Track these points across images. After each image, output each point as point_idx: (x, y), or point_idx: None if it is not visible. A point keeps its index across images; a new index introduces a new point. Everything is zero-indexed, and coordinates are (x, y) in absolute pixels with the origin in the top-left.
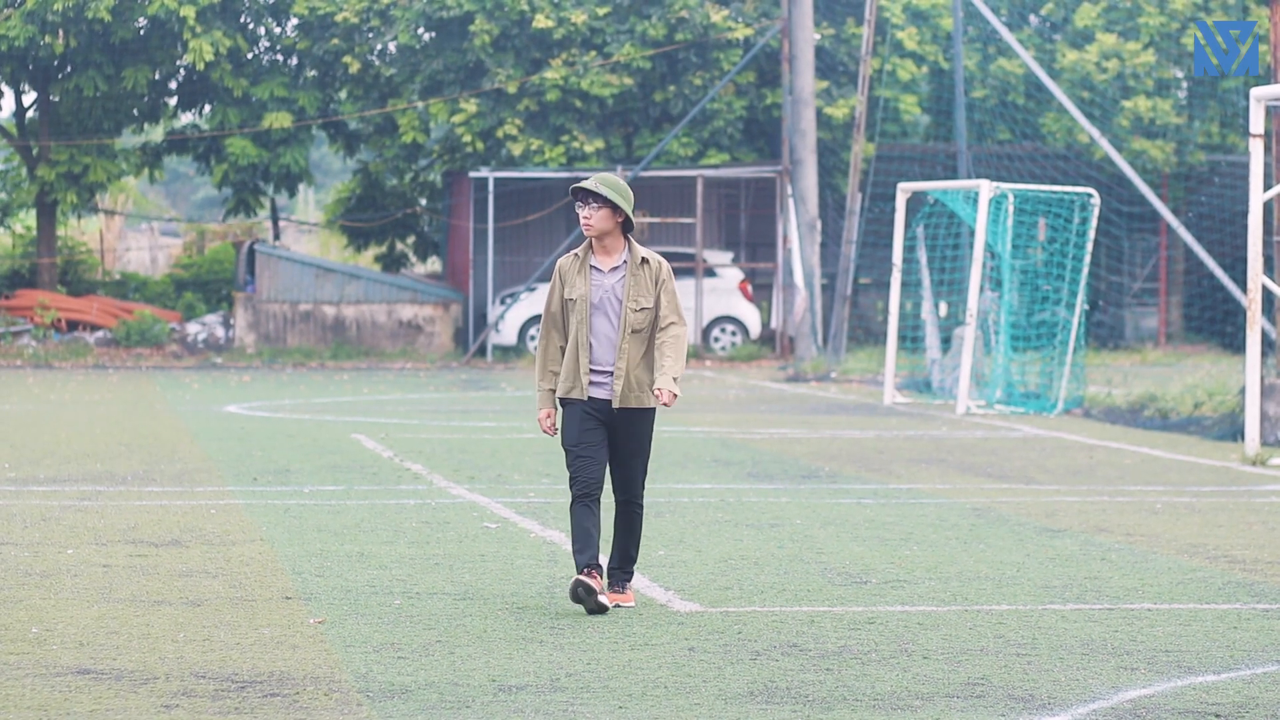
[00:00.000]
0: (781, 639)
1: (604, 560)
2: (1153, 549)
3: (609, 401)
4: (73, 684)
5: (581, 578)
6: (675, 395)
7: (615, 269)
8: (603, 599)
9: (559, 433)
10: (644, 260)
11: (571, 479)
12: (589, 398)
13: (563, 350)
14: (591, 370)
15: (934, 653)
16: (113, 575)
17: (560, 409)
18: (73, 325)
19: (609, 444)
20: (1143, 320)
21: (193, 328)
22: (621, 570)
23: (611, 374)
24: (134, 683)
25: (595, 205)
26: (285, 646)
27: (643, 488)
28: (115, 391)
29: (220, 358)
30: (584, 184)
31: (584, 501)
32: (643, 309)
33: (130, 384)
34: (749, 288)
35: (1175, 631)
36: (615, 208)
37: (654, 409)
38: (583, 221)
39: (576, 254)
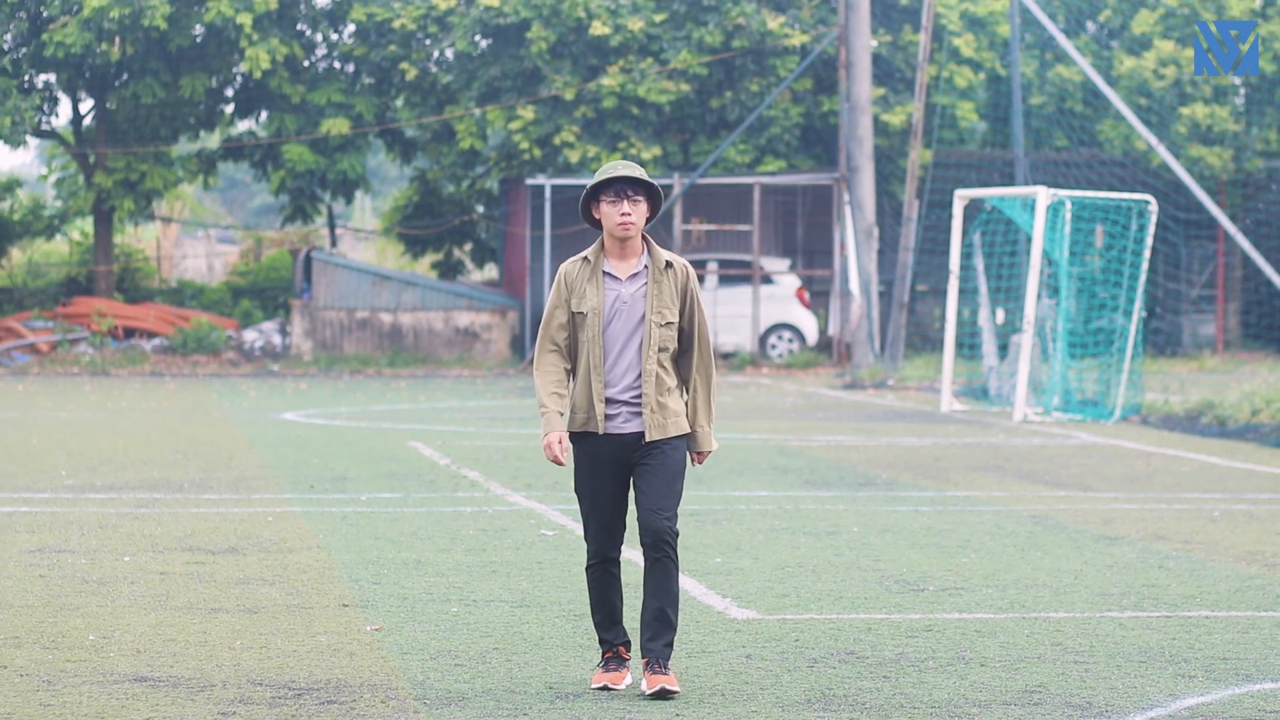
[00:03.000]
0: (839, 646)
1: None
2: (1210, 556)
3: (630, 436)
4: (130, 691)
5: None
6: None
7: (635, 275)
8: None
9: (573, 473)
10: (667, 264)
11: (587, 540)
12: (606, 433)
13: (568, 373)
14: (608, 400)
15: (991, 660)
16: (170, 583)
17: (572, 443)
18: (129, 333)
19: (633, 478)
20: (1200, 327)
21: (249, 335)
22: (660, 641)
23: (629, 403)
24: (191, 690)
25: (639, 199)
26: (342, 654)
27: (675, 528)
28: (172, 399)
29: (277, 365)
30: (622, 173)
31: (603, 567)
32: (668, 323)
33: (187, 391)
34: (806, 295)
35: (1233, 639)
36: (653, 200)
37: (685, 435)
38: (621, 221)
39: (586, 258)
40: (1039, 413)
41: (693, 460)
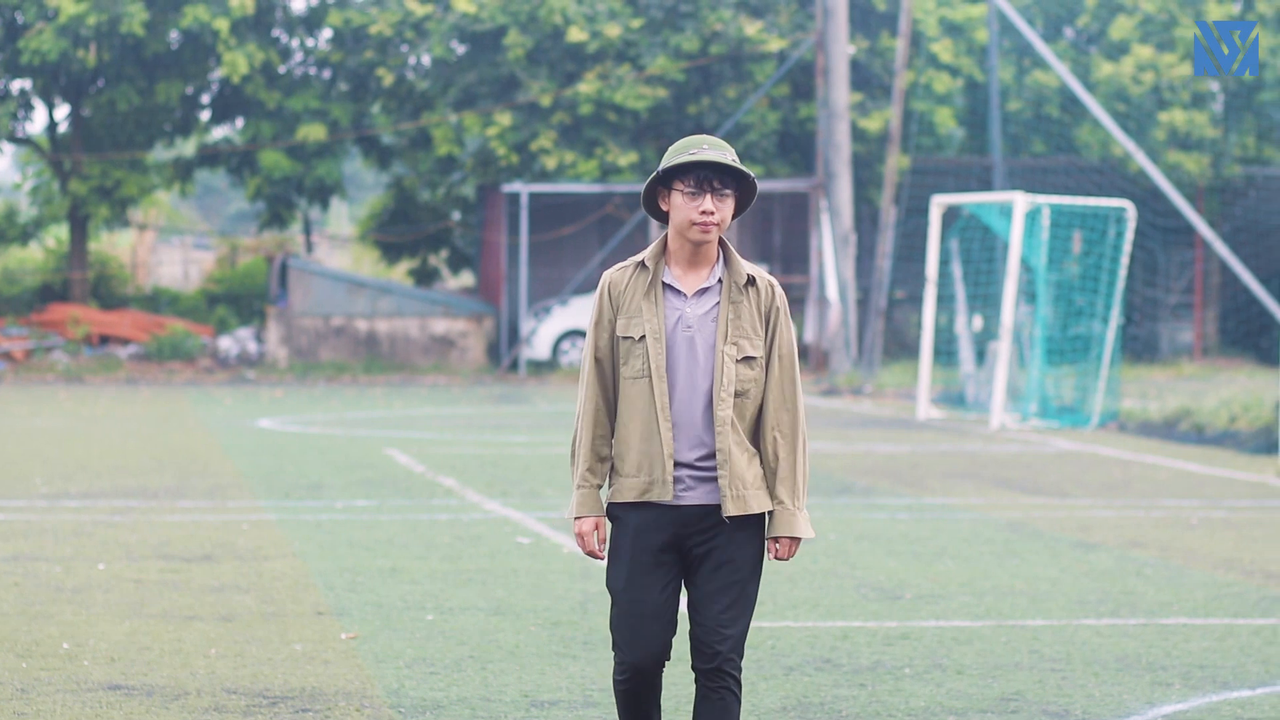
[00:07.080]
0: (815, 654)
1: None
2: (1188, 564)
3: (695, 510)
4: (104, 700)
5: None
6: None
7: (705, 290)
8: None
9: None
10: (749, 281)
11: (618, 651)
12: (673, 504)
13: (613, 425)
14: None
15: (968, 668)
16: (144, 590)
17: (610, 520)
18: (104, 339)
19: (691, 575)
20: (1178, 334)
21: (225, 342)
22: None
23: (692, 466)
24: (165, 698)
25: (727, 193)
26: (317, 662)
27: (742, 648)
28: (147, 406)
29: (252, 372)
30: (709, 156)
31: (638, 683)
32: (747, 358)
33: (162, 399)
34: None
35: (1210, 646)
36: (745, 194)
37: (764, 515)
38: (700, 221)
39: (643, 263)
40: (1016, 419)
41: (771, 550)
